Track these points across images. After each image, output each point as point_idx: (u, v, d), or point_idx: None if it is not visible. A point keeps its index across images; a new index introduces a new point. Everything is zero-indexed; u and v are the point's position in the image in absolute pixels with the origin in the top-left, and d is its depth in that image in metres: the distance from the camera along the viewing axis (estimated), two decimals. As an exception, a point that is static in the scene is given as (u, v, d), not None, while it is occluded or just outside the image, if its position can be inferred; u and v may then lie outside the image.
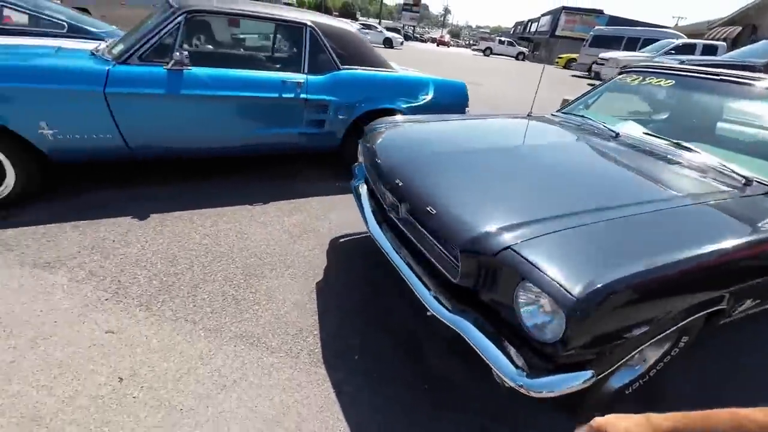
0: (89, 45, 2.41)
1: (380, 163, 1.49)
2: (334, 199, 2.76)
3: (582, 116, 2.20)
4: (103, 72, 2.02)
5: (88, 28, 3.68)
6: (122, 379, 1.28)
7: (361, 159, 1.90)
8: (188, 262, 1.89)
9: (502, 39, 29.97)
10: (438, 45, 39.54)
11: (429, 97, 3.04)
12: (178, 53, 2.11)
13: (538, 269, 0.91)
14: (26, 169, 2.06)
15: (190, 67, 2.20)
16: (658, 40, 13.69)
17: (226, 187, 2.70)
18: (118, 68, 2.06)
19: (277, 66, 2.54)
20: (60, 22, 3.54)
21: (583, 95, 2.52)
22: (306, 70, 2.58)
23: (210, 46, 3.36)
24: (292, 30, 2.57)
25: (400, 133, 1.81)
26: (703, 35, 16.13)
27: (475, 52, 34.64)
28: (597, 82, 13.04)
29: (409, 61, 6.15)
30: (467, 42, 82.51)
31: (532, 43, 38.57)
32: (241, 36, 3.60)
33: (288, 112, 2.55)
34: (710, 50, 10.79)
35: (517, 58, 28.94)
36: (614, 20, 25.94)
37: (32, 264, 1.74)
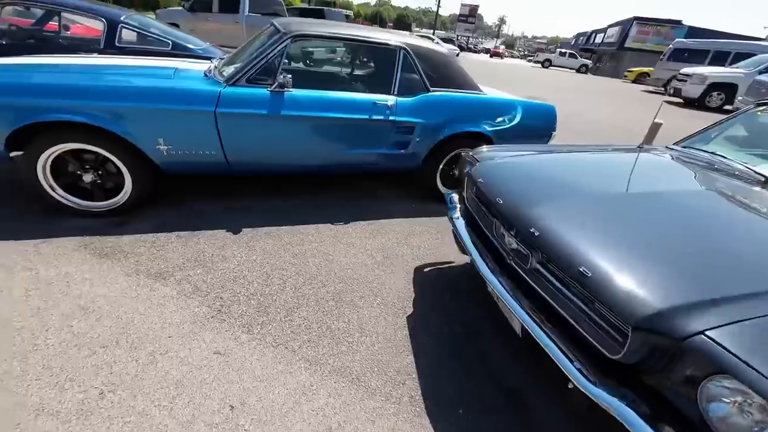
0: (200, 65, 2.57)
1: (501, 204, 1.38)
2: (413, 222, 2.70)
3: (712, 153, 1.93)
4: (215, 93, 2.14)
5: (189, 45, 4.00)
6: (233, 407, 1.28)
7: (465, 192, 1.81)
8: (281, 283, 1.91)
9: (563, 50, 28.60)
10: (491, 56, 38.80)
11: (516, 120, 2.89)
12: (281, 76, 2.18)
13: (748, 365, 0.75)
14: (141, 179, 2.22)
15: (290, 90, 2.26)
16: (753, 55, 12.23)
17: (309, 204, 2.75)
18: (227, 90, 2.16)
19: (369, 87, 2.55)
20: (165, 40, 3.88)
21: (708, 128, 2.23)
22: (396, 92, 2.56)
23: (306, 67, 3.47)
24: (385, 52, 2.57)
25: (516, 168, 1.69)
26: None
27: (534, 64, 33.44)
28: (676, 100, 11.92)
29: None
30: (522, 53, 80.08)
31: (595, 54, 36.45)
32: (334, 57, 3.68)
33: (376, 133, 2.54)
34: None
35: (579, 70, 27.47)
36: (695, 32, 23.69)
37: (146, 273, 1.85)
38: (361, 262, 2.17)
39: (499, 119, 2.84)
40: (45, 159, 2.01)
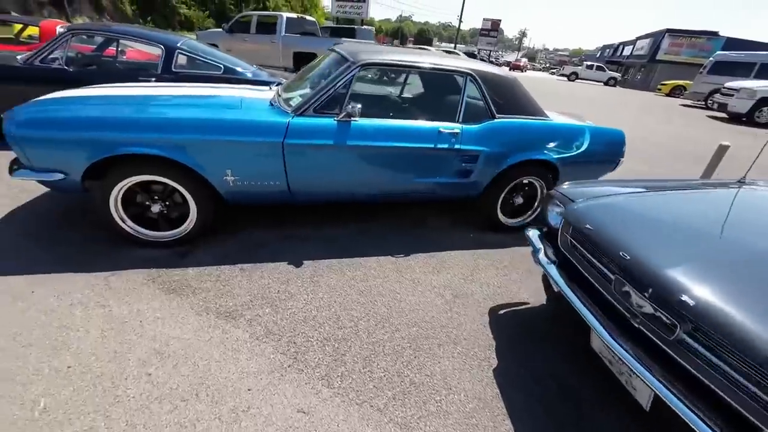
0: (263, 93, 2.56)
1: (628, 260, 1.22)
2: (475, 255, 2.55)
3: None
4: (284, 124, 2.09)
5: (238, 69, 4.06)
6: (328, 481, 1.16)
7: (560, 236, 1.65)
8: (353, 326, 1.80)
9: (590, 63, 28.06)
10: (511, 69, 38.54)
11: (584, 147, 2.73)
12: (350, 106, 2.12)
13: None
14: (205, 209, 2.19)
15: (357, 119, 2.19)
16: (804, 67, 11.57)
17: (362, 233, 2.66)
18: (296, 120, 2.12)
19: (433, 114, 2.47)
20: (217, 64, 3.95)
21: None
22: (461, 119, 2.46)
23: (368, 94, 3.41)
24: (451, 78, 2.49)
25: (630, 212, 1.53)
26: None
27: (559, 77, 32.99)
28: (720, 114, 11.33)
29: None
30: (543, 65, 79.19)
31: (622, 67, 35.60)
32: (397, 83, 3.60)
33: (439, 161, 2.44)
34: None
35: (607, 83, 26.83)
36: (732, 43, 22.74)
37: (215, 312, 1.79)
38: (431, 302, 2.04)
39: (567, 146, 2.68)
40: (118, 191, 2.01)
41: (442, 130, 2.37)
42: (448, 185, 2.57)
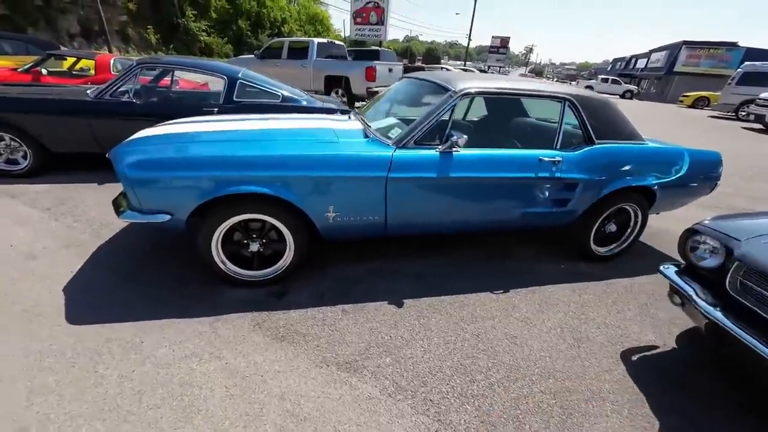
0: (349, 124, 2.50)
1: None
2: (576, 289, 2.38)
3: None
4: (388, 158, 2.01)
5: (295, 96, 4.06)
6: None
7: (728, 279, 1.49)
8: (484, 378, 1.64)
9: (606, 77, 28.01)
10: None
11: (683, 171, 2.57)
12: (455, 137, 2.02)
13: None
14: (302, 246, 2.09)
15: (459, 150, 2.09)
16: (841, 76, 11.24)
17: (454, 266, 2.51)
18: (399, 153, 2.03)
19: (528, 142, 2.37)
20: (275, 92, 3.96)
21: None
22: (558, 146, 2.34)
23: (464, 123, 3.32)
24: (549, 104, 2.39)
25: None
26: None
27: (572, 91, 32.91)
28: (757, 126, 10.98)
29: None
30: (551, 79, 79.14)
31: (635, 79, 35.44)
32: (492, 110, 3.46)
33: (538, 191, 2.31)
34: None
35: (623, 96, 26.64)
36: (752, 53, 22.45)
37: (335, 363, 1.65)
38: (554, 347, 1.87)
39: (666, 171, 2.53)
40: (221, 231, 1.93)
41: (542, 158, 2.25)
42: (543, 215, 2.43)
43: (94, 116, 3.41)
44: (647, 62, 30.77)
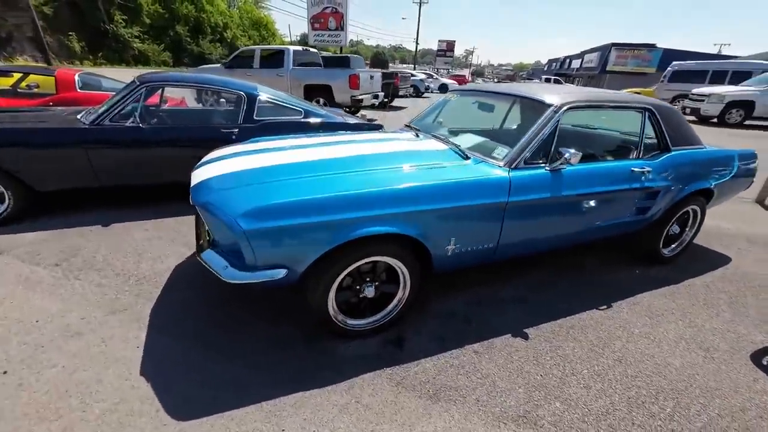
0: (430, 143, 2.30)
1: None
2: (665, 294, 2.40)
3: None
4: (506, 181, 1.86)
5: (314, 110, 3.76)
6: None
7: None
8: (659, 409, 1.55)
9: (548, 77, 30.19)
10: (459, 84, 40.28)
11: (734, 170, 2.73)
12: (567, 154, 1.93)
13: None
14: (416, 283, 1.88)
15: (566, 166, 2.01)
16: (749, 73, 13.09)
17: (544, 285, 2.43)
18: (515, 174, 1.90)
19: (614, 152, 2.36)
20: (297, 108, 3.63)
21: None
22: (641, 155, 2.36)
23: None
24: (632, 114, 2.39)
25: None
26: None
27: (519, 91, 35.01)
28: (690, 118, 12.39)
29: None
30: (492, 79, 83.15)
31: (571, 78, 38.70)
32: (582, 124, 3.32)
33: (630, 201, 2.31)
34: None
35: (565, 94, 28.83)
36: (669, 53, 25.55)
37: (510, 419, 1.47)
38: (692, 362, 1.84)
39: (724, 172, 2.67)
40: (341, 278, 1.66)
41: (634, 168, 2.25)
42: (627, 223, 2.44)
43: (92, 146, 2.86)
44: (581, 62, 33.77)
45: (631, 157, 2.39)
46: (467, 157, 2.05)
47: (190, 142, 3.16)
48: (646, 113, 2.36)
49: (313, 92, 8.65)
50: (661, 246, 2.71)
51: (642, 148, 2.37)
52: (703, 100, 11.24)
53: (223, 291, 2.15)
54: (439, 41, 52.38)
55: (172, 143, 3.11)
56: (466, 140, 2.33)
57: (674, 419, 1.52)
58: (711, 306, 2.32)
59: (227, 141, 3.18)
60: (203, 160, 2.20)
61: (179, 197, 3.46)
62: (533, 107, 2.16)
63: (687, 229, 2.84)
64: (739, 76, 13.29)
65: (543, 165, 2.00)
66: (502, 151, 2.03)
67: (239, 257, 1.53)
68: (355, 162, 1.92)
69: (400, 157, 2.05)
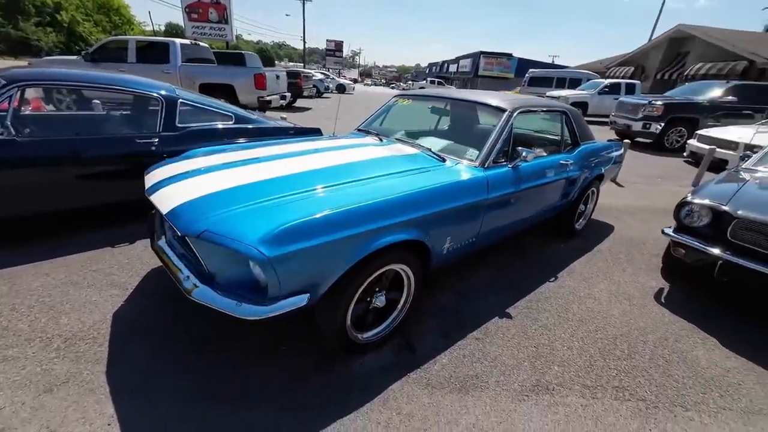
0: (399, 148, 2.35)
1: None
2: (588, 260, 2.99)
3: None
4: (485, 179, 2.06)
5: (246, 115, 3.40)
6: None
7: (732, 230, 2.21)
8: (627, 347, 1.95)
9: (433, 79, 33.24)
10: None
11: (615, 156, 3.54)
12: (525, 152, 2.23)
13: None
14: (419, 286, 1.93)
15: (522, 163, 2.32)
16: (579, 80, 16.83)
17: (505, 269, 2.75)
18: (489, 173, 2.10)
19: (545, 148, 2.79)
20: (228, 113, 3.22)
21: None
22: (563, 149, 2.87)
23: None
24: (557, 115, 2.87)
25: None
26: (603, 74, 20.23)
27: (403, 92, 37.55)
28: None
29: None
30: (379, 81, 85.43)
31: (450, 81, 43.47)
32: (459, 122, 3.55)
33: (562, 188, 2.79)
34: (630, 88, 13.72)
35: (448, 95, 32.17)
36: (522, 62, 30.90)
37: (529, 390, 1.66)
38: (625, 310, 2.35)
39: (610, 158, 3.44)
40: (359, 292, 1.59)
41: (562, 161, 2.72)
42: (557, 206, 2.94)
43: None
44: (458, 67, 38.18)
45: (556, 152, 2.88)
46: (443, 160, 2.18)
47: (94, 157, 2.53)
48: (563, 116, 2.88)
49: (210, 92, 7.67)
50: (575, 222, 3.34)
51: (563, 144, 2.89)
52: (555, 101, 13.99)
53: (195, 334, 1.83)
54: (327, 41, 52.32)
55: (68, 160, 2.44)
56: (431, 143, 2.46)
57: (632, 357, 1.93)
58: (618, 264, 2.98)
59: (146, 154, 2.67)
60: (155, 180, 1.80)
61: (84, 226, 2.75)
62: (491, 112, 2.41)
63: (588, 205, 3.56)
64: (573, 82, 16.94)
65: (506, 163, 2.27)
66: (473, 152, 2.22)
67: (252, 288, 1.34)
68: (346, 171, 1.85)
69: (384, 163, 2.06)
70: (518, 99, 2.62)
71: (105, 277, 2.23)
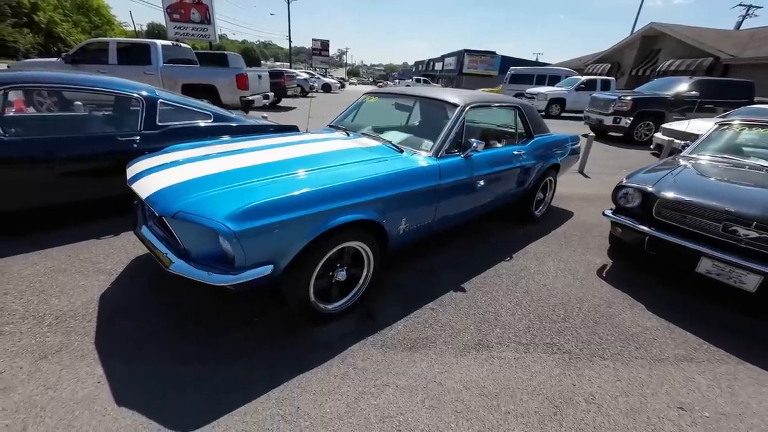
0: (363, 140, 2.58)
1: (733, 211, 2.16)
2: (543, 242, 3.27)
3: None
4: (437, 167, 2.30)
5: (224, 114, 3.58)
6: (682, 408, 1.64)
7: (657, 209, 2.51)
8: (564, 311, 2.23)
9: (419, 77, 33.55)
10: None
11: (569, 150, 3.83)
12: (475, 143, 2.48)
13: None
14: (378, 263, 2.16)
15: (473, 153, 2.57)
16: (558, 77, 17.32)
17: (464, 251, 3.01)
18: (442, 162, 2.35)
19: (499, 140, 3.05)
20: (204, 112, 3.40)
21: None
22: (516, 141, 3.14)
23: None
24: (509, 110, 3.13)
25: (696, 182, 2.53)
26: (582, 71, 20.85)
27: (395, 90, 37.73)
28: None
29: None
30: (367, 80, 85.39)
31: (435, 79, 43.91)
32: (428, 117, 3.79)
33: (515, 177, 3.06)
34: (605, 84, 14.23)
35: (434, 93, 32.50)
36: (505, 60, 31.45)
37: (471, 347, 1.91)
38: (568, 283, 2.63)
39: (565, 149, 3.73)
40: (318, 267, 1.82)
41: (515, 152, 3.00)
42: (513, 195, 3.21)
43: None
44: (443, 65, 38.65)
45: (510, 143, 3.15)
46: (401, 151, 2.42)
47: (78, 155, 2.70)
48: (516, 110, 3.16)
49: (193, 93, 7.79)
50: (533, 209, 3.62)
51: (517, 137, 3.16)
52: (534, 98, 14.40)
53: (177, 310, 2.03)
54: (313, 40, 52.06)
55: (53, 158, 2.60)
56: (393, 136, 2.70)
57: (566, 320, 2.21)
58: (569, 245, 3.27)
59: (127, 151, 2.84)
60: (136, 171, 2.00)
61: (69, 221, 2.91)
62: (444, 107, 2.66)
63: (547, 194, 3.85)
64: (553, 79, 17.43)
65: (458, 153, 2.52)
66: (428, 144, 2.47)
67: (222, 260, 1.56)
68: (312, 160, 2.08)
69: (347, 153, 2.29)
70: (472, 95, 2.88)
71: (92, 265, 2.41)
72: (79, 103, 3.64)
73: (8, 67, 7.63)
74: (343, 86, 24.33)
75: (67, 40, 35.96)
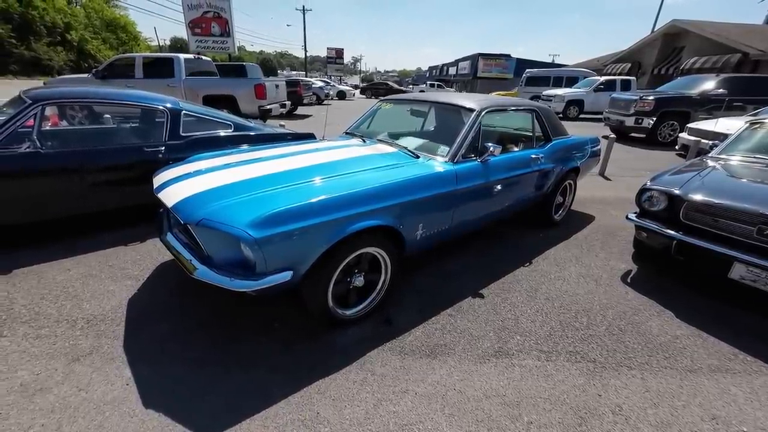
0: (378, 147, 2.61)
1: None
2: (565, 247, 3.19)
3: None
4: (453, 172, 2.30)
5: (244, 123, 3.69)
6: None
7: (683, 213, 2.41)
8: (587, 319, 2.17)
9: (432, 82, 33.55)
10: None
11: (589, 151, 3.74)
12: (492, 147, 2.46)
13: None
14: (396, 268, 2.16)
15: (491, 157, 2.55)
16: (576, 78, 16.97)
17: (481, 255, 2.97)
18: (458, 167, 2.34)
19: (516, 143, 3.02)
20: (226, 122, 3.52)
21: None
22: (534, 145, 3.09)
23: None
24: (525, 113, 3.10)
25: (725, 184, 2.44)
26: (600, 71, 20.37)
27: (409, 96, 37.85)
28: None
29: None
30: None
31: (450, 83, 43.79)
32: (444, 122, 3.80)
33: (534, 180, 3.01)
34: (626, 84, 13.85)
35: (448, 97, 32.40)
36: (520, 62, 31.08)
37: (491, 355, 1.88)
38: (591, 290, 2.55)
39: (585, 152, 3.65)
40: (337, 273, 1.83)
41: (533, 155, 2.95)
42: (531, 199, 3.16)
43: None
44: (457, 69, 38.52)
45: (528, 147, 3.11)
46: (417, 156, 2.43)
47: (108, 166, 2.83)
48: (533, 113, 3.11)
49: (213, 103, 8.05)
50: (552, 213, 3.55)
51: (534, 140, 3.11)
52: (551, 100, 14.15)
53: (200, 315, 2.09)
54: (328, 48, 53.05)
55: (85, 169, 2.74)
56: (409, 142, 2.71)
57: (590, 328, 2.14)
58: (591, 250, 3.18)
59: (153, 161, 2.96)
60: (162, 181, 2.08)
61: (98, 228, 3.05)
62: (459, 112, 2.66)
63: (567, 197, 3.76)
64: (571, 80, 17.08)
65: (475, 158, 2.50)
66: (444, 149, 2.47)
67: (243, 266, 1.60)
68: (329, 168, 2.11)
69: (364, 160, 2.31)
70: (488, 99, 2.86)
71: (120, 271, 2.51)
72: (107, 115, 3.83)
73: (44, 83, 8.09)
74: (353, 94, 24.63)
75: (97, 56, 37.92)
